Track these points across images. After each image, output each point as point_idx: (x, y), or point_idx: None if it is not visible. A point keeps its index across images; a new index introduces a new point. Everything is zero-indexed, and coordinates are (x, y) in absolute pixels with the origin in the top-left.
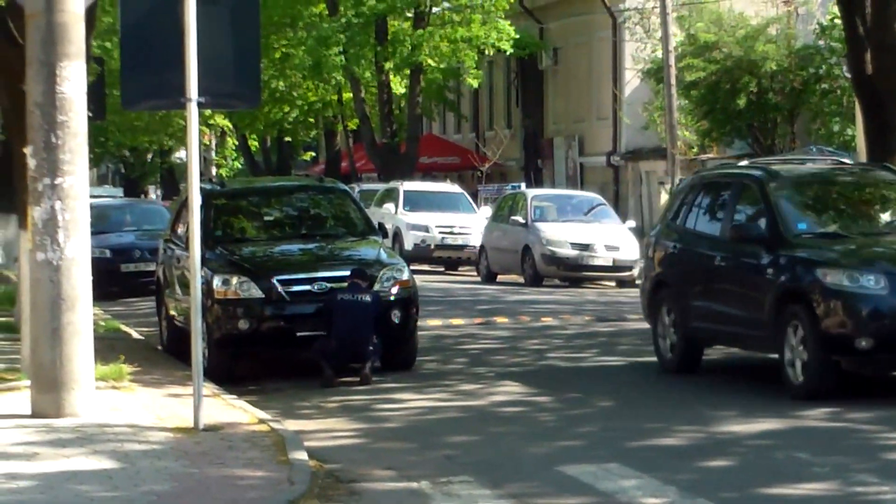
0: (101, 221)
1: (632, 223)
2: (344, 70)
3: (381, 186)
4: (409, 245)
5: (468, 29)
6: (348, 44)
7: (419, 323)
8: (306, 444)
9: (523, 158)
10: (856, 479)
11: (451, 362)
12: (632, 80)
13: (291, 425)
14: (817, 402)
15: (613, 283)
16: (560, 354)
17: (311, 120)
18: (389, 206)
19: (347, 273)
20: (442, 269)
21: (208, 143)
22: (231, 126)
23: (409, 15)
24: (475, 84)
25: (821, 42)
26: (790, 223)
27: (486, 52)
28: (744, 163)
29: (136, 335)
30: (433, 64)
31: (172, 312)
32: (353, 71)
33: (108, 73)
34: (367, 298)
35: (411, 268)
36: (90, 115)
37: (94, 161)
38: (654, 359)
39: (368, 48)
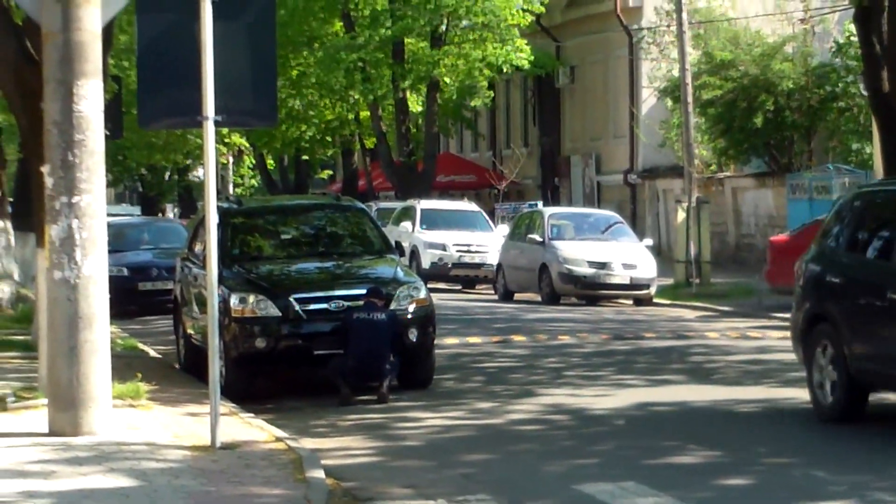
0: (119, 240)
1: (649, 241)
2: (357, 88)
3: (398, 205)
4: (426, 263)
5: (483, 48)
6: (359, 62)
7: (436, 341)
8: (323, 462)
9: (540, 176)
10: (873, 498)
11: (468, 381)
12: (648, 98)
13: (308, 443)
14: (836, 421)
15: (631, 302)
16: (577, 373)
17: (329, 138)
18: (406, 225)
19: (364, 291)
20: (459, 287)
21: (226, 161)
22: (248, 144)
23: (427, 30)
24: (479, 103)
25: (837, 60)
26: None
27: (505, 69)
28: None
29: (153, 353)
30: (449, 82)
31: (190, 331)
32: (366, 89)
33: (126, 91)
34: (383, 317)
35: (428, 286)
36: (107, 133)
37: (114, 181)
38: (671, 376)
39: (385, 67)
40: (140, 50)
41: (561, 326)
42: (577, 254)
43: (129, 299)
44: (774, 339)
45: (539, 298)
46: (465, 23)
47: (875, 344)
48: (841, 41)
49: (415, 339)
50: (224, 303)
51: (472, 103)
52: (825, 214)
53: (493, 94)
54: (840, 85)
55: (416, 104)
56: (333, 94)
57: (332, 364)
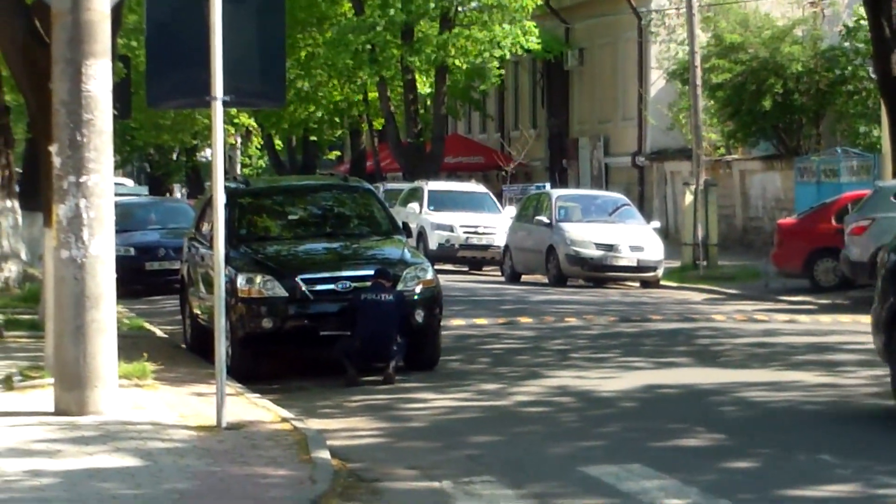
0: (126, 219)
1: (656, 224)
2: (365, 69)
3: (405, 186)
4: (433, 245)
5: (491, 30)
6: (368, 43)
7: (443, 322)
8: (329, 442)
9: (548, 158)
10: (879, 482)
11: (474, 362)
12: (657, 80)
13: (314, 424)
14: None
15: (637, 284)
16: (584, 355)
17: (337, 119)
18: (414, 206)
19: (371, 272)
20: (466, 268)
21: (234, 142)
22: (256, 125)
23: (437, 13)
24: (489, 86)
25: (847, 43)
26: None
27: (514, 51)
28: None
29: (159, 333)
30: (459, 64)
31: (196, 311)
32: (374, 70)
33: (134, 71)
34: (391, 298)
35: (435, 267)
36: (116, 113)
37: (122, 161)
38: (677, 359)
39: (394, 47)
40: (149, 30)
41: (567, 308)
42: (585, 236)
43: (135, 279)
44: (781, 321)
45: (546, 280)
46: (474, 3)
47: None
48: (850, 24)
49: (421, 320)
50: (231, 283)
51: (482, 87)
52: (832, 197)
53: (503, 73)
54: (849, 68)
55: (424, 86)
56: (341, 76)
57: (338, 345)
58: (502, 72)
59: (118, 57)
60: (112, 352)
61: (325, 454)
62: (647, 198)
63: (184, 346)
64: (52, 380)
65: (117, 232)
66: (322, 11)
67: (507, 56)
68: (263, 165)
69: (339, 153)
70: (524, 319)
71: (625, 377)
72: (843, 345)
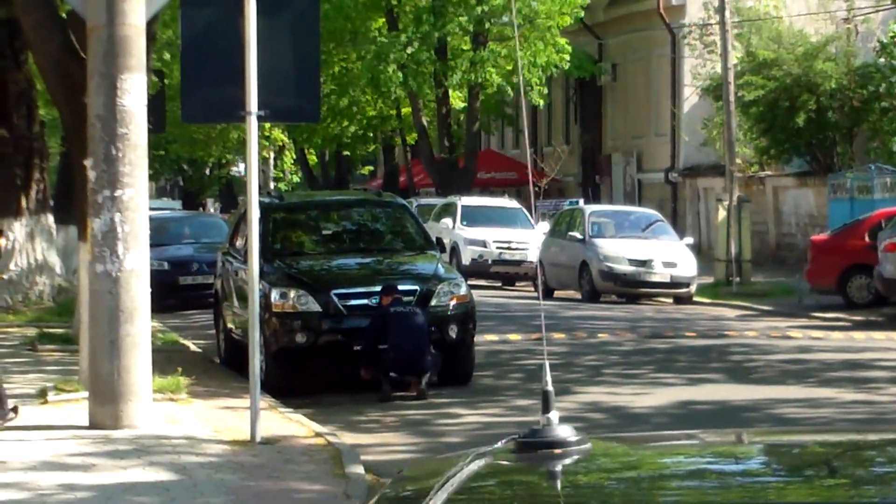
0: (160, 234)
1: (689, 240)
2: (402, 85)
3: (438, 201)
4: (466, 260)
5: (528, 47)
6: (408, 59)
7: (476, 338)
8: (363, 457)
9: (581, 174)
10: None
11: (506, 377)
12: (690, 96)
13: (348, 439)
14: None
15: (671, 300)
16: (616, 371)
17: (370, 134)
18: (447, 221)
19: (407, 287)
20: (499, 284)
21: (267, 156)
22: (289, 140)
23: (469, 28)
24: (540, 102)
25: (881, 60)
26: None
27: (549, 71)
28: None
29: (193, 347)
30: (495, 77)
31: (230, 325)
32: (411, 86)
33: (169, 86)
34: (418, 309)
35: (469, 283)
36: (150, 127)
37: (155, 175)
38: (710, 375)
39: (429, 62)
40: (184, 45)
41: (600, 324)
42: (618, 251)
43: (169, 293)
44: (814, 338)
45: (579, 296)
46: (505, 18)
47: None
48: (884, 41)
49: (455, 336)
50: (265, 298)
51: (532, 99)
52: (866, 214)
53: (547, 91)
54: (883, 85)
55: (457, 100)
56: (378, 91)
57: (377, 364)
58: (545, 88)
59: (152, 71)
60: (146, 366)
61: (360, 469)
62: (680, 214)
63: (217, 360)
64: (86, 394)
65: (151, 246)
66: (356, 27)
67: (541, 76)
68: (297, 180)
69: (371, 168)
70: (557, 335)
71: (658, 393)
72: (877, 361)
